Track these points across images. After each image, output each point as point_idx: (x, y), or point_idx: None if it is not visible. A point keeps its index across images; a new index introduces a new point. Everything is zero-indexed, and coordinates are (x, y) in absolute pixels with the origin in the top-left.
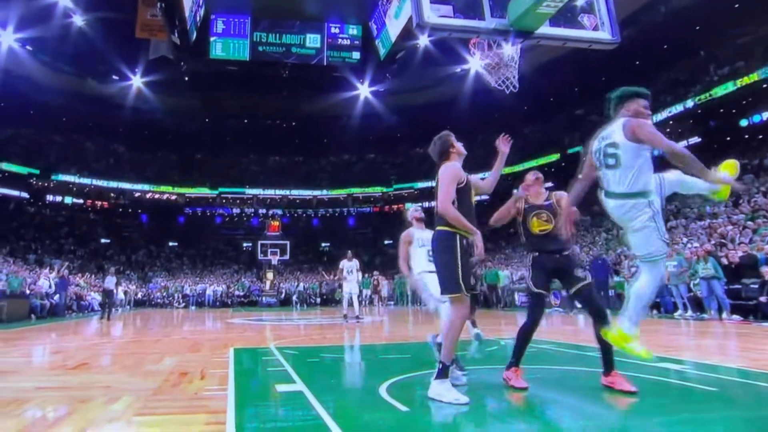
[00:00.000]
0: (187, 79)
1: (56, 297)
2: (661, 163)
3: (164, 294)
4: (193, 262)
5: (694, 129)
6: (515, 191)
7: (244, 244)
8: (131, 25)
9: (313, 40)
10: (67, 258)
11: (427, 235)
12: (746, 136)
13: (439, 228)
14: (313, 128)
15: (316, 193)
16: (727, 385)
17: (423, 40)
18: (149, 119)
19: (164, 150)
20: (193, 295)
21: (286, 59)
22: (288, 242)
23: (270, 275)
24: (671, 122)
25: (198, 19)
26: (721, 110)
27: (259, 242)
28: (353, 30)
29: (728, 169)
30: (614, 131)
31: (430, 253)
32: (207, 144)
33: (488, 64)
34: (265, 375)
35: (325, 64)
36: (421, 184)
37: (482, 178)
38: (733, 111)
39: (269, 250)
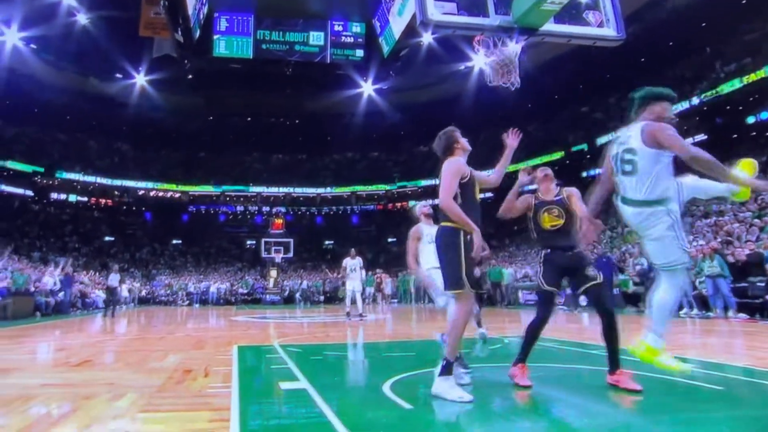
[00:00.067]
0: (190, 77)
1: (61, 294)
2: (677, 167)
3: (168, 291)
4: (197, 260)
5: (700, 126)
6: (520, 175)
7: (248, 242)
8: (135, 23)
9: (316, 38)
10: (71, 256)
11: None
12: (753, 134)
13: (442, 224)
14: (317, 126)
15: (320, 190)
16: (733, 384)
17: (426, 38)
18: (153, 117)
19: (168, 148)
20: (197, 293)
21: (289, 57)
22: (291, 240)
23: (273, 273)
24: (676, 120)
25: (201, 17)
26: (728, 107)
27: (263, 240)
28: (356, 27)
29: (746, 168)
30: (632, 136)
31: None
32: (210, 142)
33: (494, 61)
34: (268, 372)
35: (328, 61)
36: (425, 182)
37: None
38: (740, 108)
39: (273, 248)
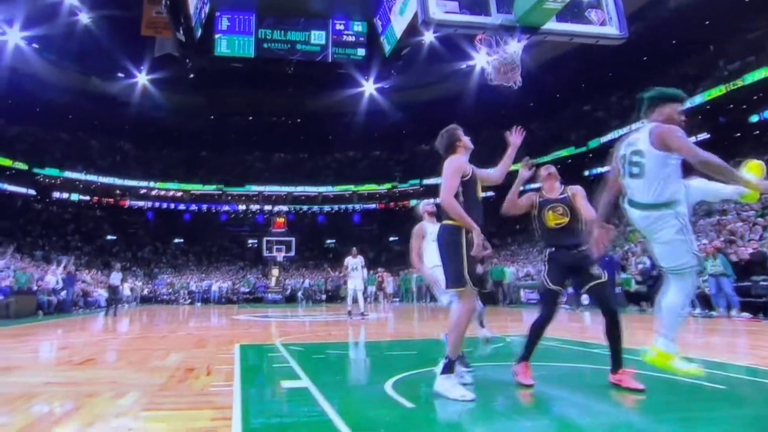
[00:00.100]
0: (192, 76)
1: (63, 293)
2: (684, 169)
3: (170, 290)
4: (199, 259)
5: (703, 125)
6: (521, 170)
7: (250, 241)
8: (136, 22)
9: (317, 37)
10: (73, 254)
11: None
12: (756, 132)
13: (444, 222)
14: (318, 125)
15: (321, 189)
16: (735, 384)
17: (428, 37)
18: (154, 116)
19: (170, 147)
20: (198, 292)
21: (290, 56)
22: (293, 239)
23: (275, 272)
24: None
25: (203, 16)
26: (731, 106)
27: (264, 239)
28: (358, 26)
29: (754, 170)
30: (640, 138)
31: None
32: (212, 141)
33: (496, 60)
34: (270, 371)
35: (329, 60)
36: (426, 181)
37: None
38: (744, 107)
39: (274, 247)
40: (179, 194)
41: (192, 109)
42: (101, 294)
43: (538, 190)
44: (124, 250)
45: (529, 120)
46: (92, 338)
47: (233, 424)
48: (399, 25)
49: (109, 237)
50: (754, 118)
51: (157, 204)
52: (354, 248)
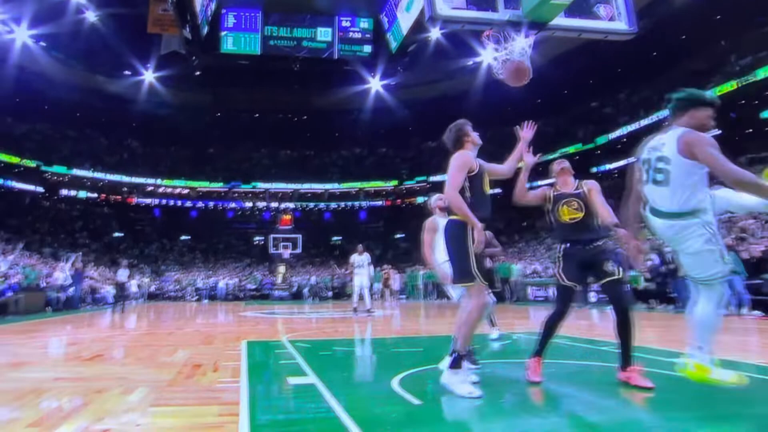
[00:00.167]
0: (198, 73)
1: (71, 290)
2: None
3: (177, 287)
4: (206, 256)
5: (713, 120)
6: (525, 156)
7: (256, 238)
8: (143, 20)
9: (324, 34)
10: (81, 251)
11: None
12: (767, 129)
13: (451, 217)
14: (325, 122)
15: (328, 186)
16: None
17: (435, 33)
18: (161, 114)
19: (176, 144)
20: (205, 289)
21: (297, 53)
22: (299, 236)
23: (282, 269)
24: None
25: (209, 13)
26: (743, 101)
27: (271, 236)
28: (364, 23)
29: None
30: (666, 143)
31: None
32: (218, 138)
33: (506, 59)
34: (277, 368)
35: (336, 57)
36: (433, 178)
37: None
38: (755, 102)
39: (281, 244)
40: (186, 191)
41: (198, 106)
42: (109, 291)
43: (552, 185)
44: (132, 247)
45: (536, 116)
46: (100, 334)
47: (240, 420)
48: (405, 21)
49: (116, 234)
50: (766, 114)
51: (164, 201)
52: (360, 245)
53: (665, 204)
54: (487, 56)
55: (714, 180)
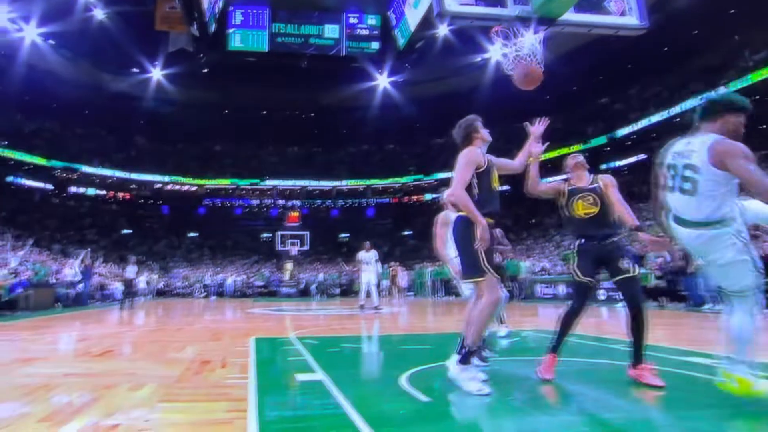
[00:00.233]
0: (206, 71)
1: (81, 286)
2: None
3: (185, 284)
4: (213, 253)
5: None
6: (531, 145)
7: (264, 235)
8: (151, 17)
9: (331, 31)
10: (90, 248)
11: None
12: None
13: (459, 213)
14: (332, 119)
15: (335, 184)
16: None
17: (442, 30)
18: (169, 111)
19: (184, 142)
20: (213, 285)
21: (304, 50)
22: (307, 233)
23: (289, 266)
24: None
25: (216, 10)
26: (757, 97)
27: (279, 233)
28: (372, 20)
29: None
30: (696, 150)
31: None
32: (226, 135)
33: (510, 52)
34: (285, 364)
35: (343, 54)
36: (441, 175)
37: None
38: None
39: (288, 241)
40: (194, 189)
41: (206, 103)
42: (117, 287)
43: (566, 180)
44: (140, 244)
45: (545, 113)
46: (109, 330)
47: (249, 416)
48: (413, 17)
49: (124, 231)
50: None
51: (171, 198)
52: (367, 242)
53: (691, 213)
54: (496, 52)
55: (744, 190)
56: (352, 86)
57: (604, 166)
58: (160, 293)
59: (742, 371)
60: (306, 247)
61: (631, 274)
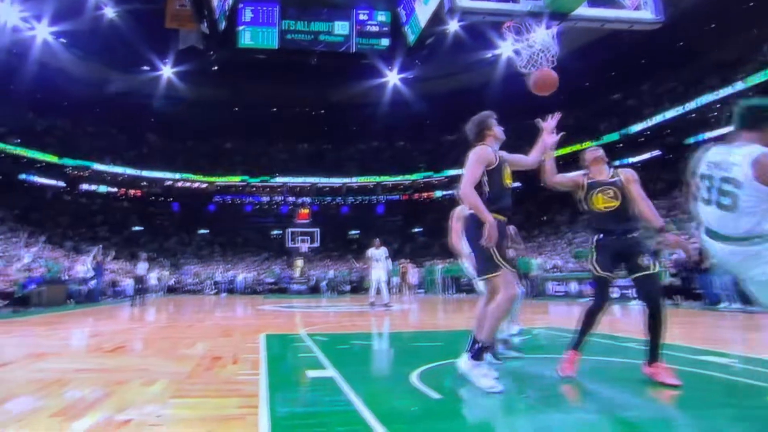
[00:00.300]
0: (216, 68)
1: (93, 282)
2: None
3: (196, 280)
4: (224, 250)
5: None
6: (544, 136)
7: (274, 232)
8: (161, 15)
9: (341, 27)
10: (101, 245)
11: None
12: None
13: (470, 211)
14: (342, 116)
15: (345, 180)
16: None
17: (453, 26)
18: (179, 109)
19: (194, 139)
20: (224, 282)
21: (314, 47)
22: (317, 230)
23: (299, 262)
24: (718, 105)
25: (226, 8)
26: None
27: (289, 230)
28: (382, 16)
29: None
30: (737, 163)
31: None
32: (236, 133)
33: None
34: (296, 361)
35: (353, 51)
36: (451, 172)
37: None
38: None
39: (299, 238)
40: (204, 186)
41: (216, 101)
42: (129, 284)
43: (585, 174)
44: (151, 241)
45: (557, 109)
46: (121, 327)
47: (260, 412)
48: (423, 14)
49: (135, 228)
50: None
51: (182, 195)
52: (377, 240)
53: (727, 229)
54: (507, 48)
55: None
56: (362, 83)
57: (617, 163)
58: (171, 290)
59: None
60: (316, 244)
61: (651, 271)
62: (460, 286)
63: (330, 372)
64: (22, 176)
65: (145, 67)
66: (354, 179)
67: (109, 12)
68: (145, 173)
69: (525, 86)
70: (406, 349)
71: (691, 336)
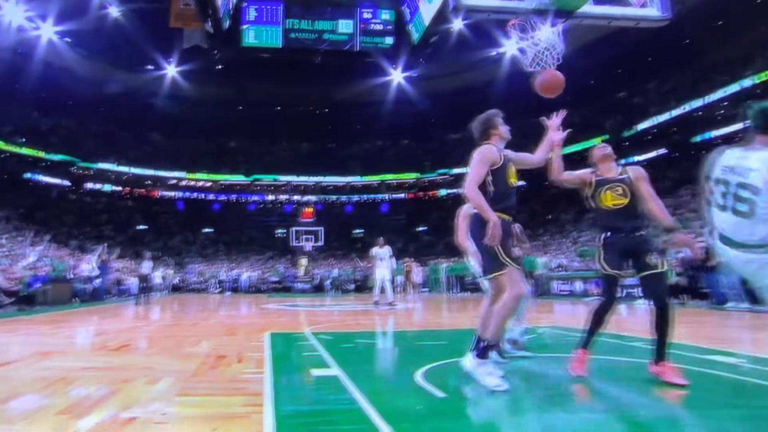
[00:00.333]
0: (220, 67)
1: (98, 281)
2: None
3: (200, 279)
4: (228, 248)
5: None
6: (549, 132)
7: (278, 231)
8: (165, 14)
9: (345, 26)
10: (106, 243)
11: None
12: None
13: (475, 211)
14: (346, 114)
15: (350, 179)
16: None
17: (457, 24)
18: (183, 108)
19: (198, 138)
20: (228, 281)
21: (318, 46)
22: (321, 229)
23: (304, 261)
24: (725, 103)
25: (230, 7)
26: None
27: (293, 229)
28: (386, 15)
29: None
30: (754, 168)
31: None
32: (240, 131)
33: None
34: (300, 359)
35: (357, 49)
36: (455, 170)
37: None
38: None
39: (303, 237)
40: (208, 184)
41: (220, 99)
42: (133, 282)
43: (593, 171)
44: (155, 240)
45: (562, 107)
46: (126, 325)
47: (265, 410)
48: (427, 12)
49: (140, 227)
50: None
51: (186, 194)
52: (381, 238)
53: (743, 236)
54: (512, 46)
55: None
56: (366, 81)
57: (623, 161)
58: (176, 288)
59: None
60: (320, 243)
61: (659, 270)
62: (465, 284)
63: (334, 370)
64: (27, 175)
65: (150, 67)
66: (358, 178)
67: (114, 11)
68: (150, 172)
69: (530, 85)
70: (411, 348)
71: (698, 335)
